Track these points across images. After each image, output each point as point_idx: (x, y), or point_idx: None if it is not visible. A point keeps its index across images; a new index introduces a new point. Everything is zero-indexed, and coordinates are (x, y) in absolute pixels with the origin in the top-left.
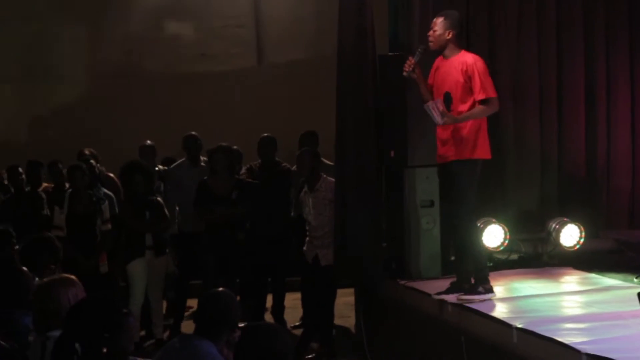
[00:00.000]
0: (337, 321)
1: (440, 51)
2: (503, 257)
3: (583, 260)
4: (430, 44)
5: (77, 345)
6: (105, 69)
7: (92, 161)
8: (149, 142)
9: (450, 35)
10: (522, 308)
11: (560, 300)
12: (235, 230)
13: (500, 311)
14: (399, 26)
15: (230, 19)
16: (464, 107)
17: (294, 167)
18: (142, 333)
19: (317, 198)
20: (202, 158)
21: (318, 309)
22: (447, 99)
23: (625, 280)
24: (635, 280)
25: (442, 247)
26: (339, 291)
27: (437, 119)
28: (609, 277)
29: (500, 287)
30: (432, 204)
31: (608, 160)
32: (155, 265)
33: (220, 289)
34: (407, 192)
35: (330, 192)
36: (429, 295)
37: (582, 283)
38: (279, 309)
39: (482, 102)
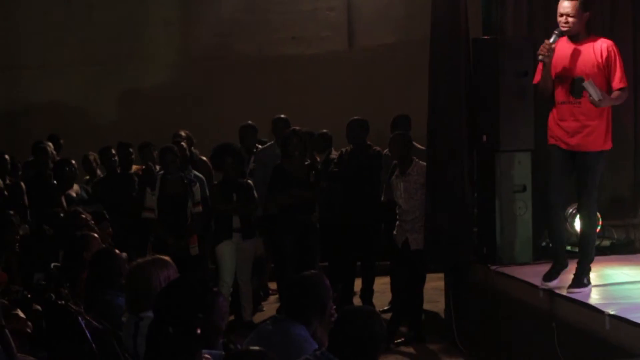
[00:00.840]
0: (426, 306)
1: (572, 35)
2: (595, 243)
3: None
4: (565, 30)
5: (170, 328)
6: (196, 51)
7: (183, 143)
8: (250, 122)
9: (587, 18)
10: (614, 295)
11: None
12: (309, 213)
13: (592, 298)
14: (492, 10)
15: (321, 2)
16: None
17: (386, 151)
18: (231, 317)
19: (408, 182)
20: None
21: (407, 293)
22: (577, 84)
23: None
24: None
25: (533, 232)
26: (428, 276)
27: (598, 96)
28: None
29: (593, 274)
30: (524, 188)
31: None
32: (243, 248)
33: (309, 271)
34: (499, 177)
35: (422, 176)
36: (528, 283)
37: None
38: (368, 293)
39: (621, 89)
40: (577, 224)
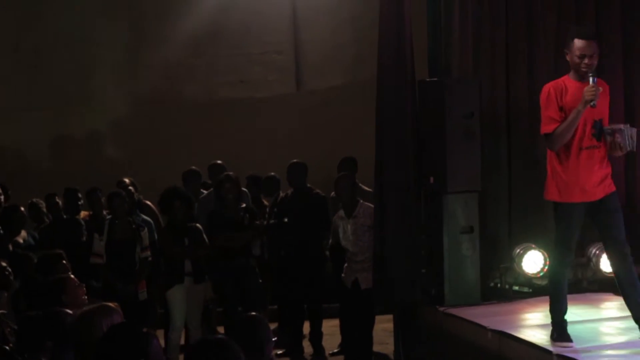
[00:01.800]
0: (376, 348)
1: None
2: (543, 283)
3: None
4: (586, 71)
5: None
6: (144, 95)
7: (130, 188)
8: (193, 167)
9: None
10: None
11: (600, 327)
12: (247, 257)
13: (540, 338)
14: (438, 51)
15: (268, 45)
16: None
17: (332, 193)
18: None
19: (356, 224)
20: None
21: (357, 335)
22: (599, 126)
23: None
24: None
25: (481, 273)
26: (378, 317)
27: (630, 145)
28: None
29: (540, 314)
30: (471, 229)
31: None
32: (194, 292)
33: (248, 314)
34: (446, 218)
35: (369, 218)
36: (476, 324)
37: (622, 309)
38: (316, 336)
39: None
40: (525, 264)
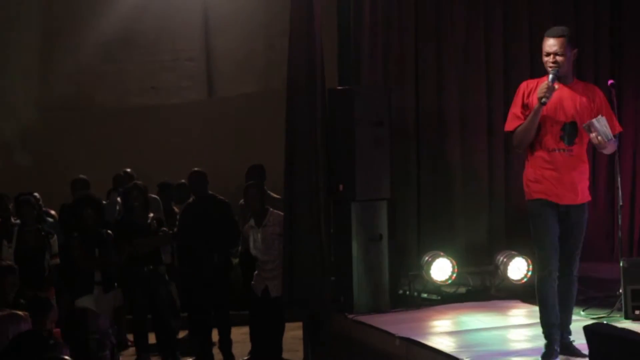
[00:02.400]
0: (286, 355)
1: (560, 75)
2: (451, 290)
3: (530, 293)
4: (557, 70)
5: None
6: (54, 101)
7: (36, 194)
8: (82, 175)
9: (575, 56)
10: (469, 342)
11: (508, 334)
12: (156, 264)
13: (448, 345)
14: (348, 60)
15: (180, 52)
16: (586, 139)
17: (241, 201)
18: None
19: (266, 232)
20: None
21: (267, 342)
22: (571, 129)
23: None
24: (582, 313)
25: (390, 280)
26: (288, 325)
27: (610, 134)
28: None
29: (448, 321)
30: (380, 237)
31: None
32: (103, 300)
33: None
34: (355, 226)
35: (279, 226)
36: (385, 332)
37: (529, 316)
38: (225, 343)
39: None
40: (434, 272)
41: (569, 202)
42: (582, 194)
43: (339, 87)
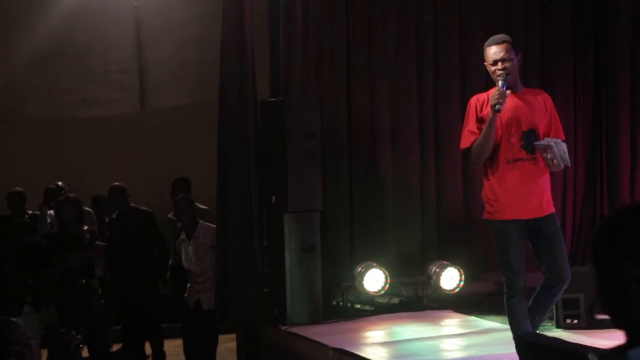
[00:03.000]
0: None
1: (510, 84)
2: (384, 301)
3: (463, 303)
4: (508, 75)
5: None
6: None
7: None
8: (17, 188)
9: (520, 61)
10: (402, 352)
11: (441, 344)
12: (89, 277)
13: (381, 355)
14: (280, 72)
15: (112, 64)
16: None
17: (170, 215)
18: None
19: (197, 245)
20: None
21: (201, 355)
22: (530, 137)
23: (504, 323)
24: None
25: (323, 291)
26: (222, 337)
27: (565, 160)
28: (489, 320)
29: (381, 331)
30: (313, 248)
31: None
32: (32, 319)
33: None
34: (288, 237)
35: (210, 238)
36: (318, 343)
37: (462, 326)
38: (159, 356)
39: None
40: (367, 283)
41: (536, 215)
42: (548, 205)
43: (271, 99)
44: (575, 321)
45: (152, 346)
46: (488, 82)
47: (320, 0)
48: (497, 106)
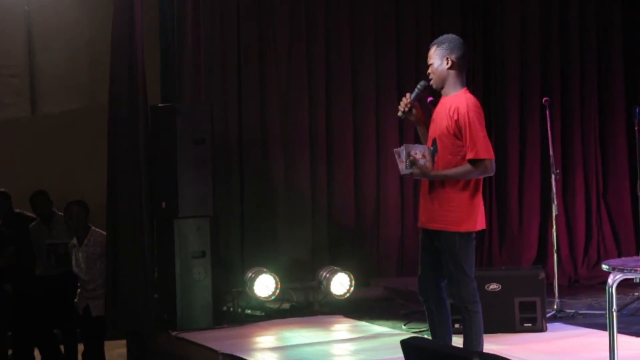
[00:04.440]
0: None
1: (442, 87)
2: (275, 306)
3: (353, 308)
4: (432, 80)
5: None
6: None
7: None
8: None
9: (449, 64)
10: (293, 357)
11: (331, 349)
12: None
13: None
14: (170, 77)
15: (3, 68)
16: (447, 163)
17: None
18: None
19: (87, 252)
20: None
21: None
22: (434, 146)
23: (394, 328)
24: (404, 327)
25: (213, 297)
26: (112, 343)
27: (400, 166)
28: (379, 325)
29: (272, 337)
30: (203, 254)
31: (377, 209)
32: None
33: None
34: (178, 243)
35: (100, 247)
36: (208, 348)
37: (352, 331)
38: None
39: (471, 162)
40: (257, 288)
41: (429, 227)
42: (441, 219)
43: (161, 105)
44: (530, 324)
45: (40, 352)
46: (378, 86)
47: (212, 6)
48: (399, 113)
